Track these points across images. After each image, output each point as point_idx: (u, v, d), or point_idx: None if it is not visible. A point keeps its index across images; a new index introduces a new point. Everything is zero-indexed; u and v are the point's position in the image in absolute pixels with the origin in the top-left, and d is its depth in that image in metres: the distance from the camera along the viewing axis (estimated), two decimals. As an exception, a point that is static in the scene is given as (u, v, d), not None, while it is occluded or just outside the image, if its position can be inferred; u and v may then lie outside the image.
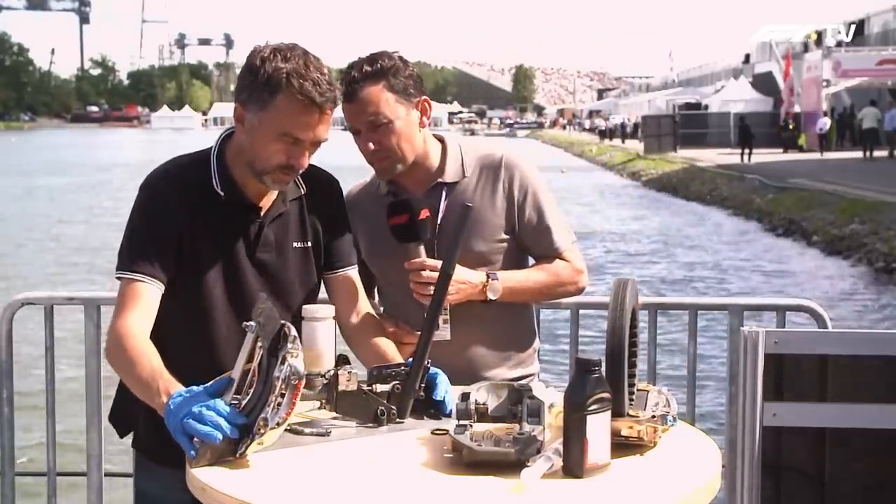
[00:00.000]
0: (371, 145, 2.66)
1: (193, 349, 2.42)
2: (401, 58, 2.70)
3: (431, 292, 2.46)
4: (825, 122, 36.72)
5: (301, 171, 2.45)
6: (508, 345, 2.82)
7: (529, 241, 2.79)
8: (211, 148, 2.52)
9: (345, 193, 2.88)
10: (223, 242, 2.46)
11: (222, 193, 2.45)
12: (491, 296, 2.68)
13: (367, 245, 2.81)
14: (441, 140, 2.82)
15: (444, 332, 2.67)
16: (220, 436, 1.97)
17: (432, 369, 2.32)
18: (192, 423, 1.99)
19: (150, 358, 2.27)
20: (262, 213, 2.49)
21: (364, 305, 2.63)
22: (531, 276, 2.78)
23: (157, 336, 2.37)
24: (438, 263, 2.47)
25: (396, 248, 2.65)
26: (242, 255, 2.47)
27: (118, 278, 2.41)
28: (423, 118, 2.73)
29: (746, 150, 34.51)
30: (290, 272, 2.53)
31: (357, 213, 2.81)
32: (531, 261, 2.86)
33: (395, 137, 2.66)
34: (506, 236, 2.77)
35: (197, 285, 2.44)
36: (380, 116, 2.64)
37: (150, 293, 2.38)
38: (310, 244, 2.56)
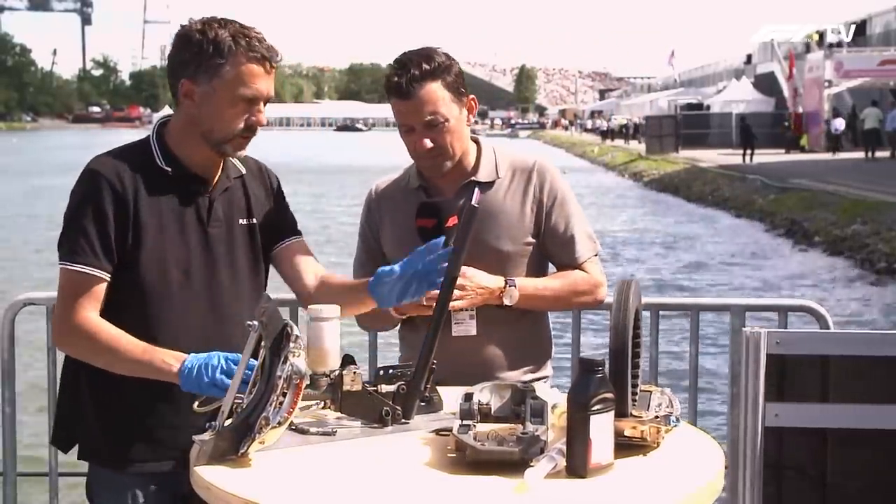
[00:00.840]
0: (428, 143, 2.65)
1: (149, 328, 2.41)
2: (447, 55, 2.70)
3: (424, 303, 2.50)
4: (840, 123, 36.62)
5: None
6: (528, 349, 2.82)
7: (552, 248, 2.80)
8: (149, 135, 2.53)
9: (375, 187, 2.90)
10: (174, 218, 2.46)
11: (168, 169, 2.46)
12: (507, 301, 2.68)
13: (392, 238, 2.81)
14: (476, 141, 2.83)
15: (469, 328, 2.70)
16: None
17: None
18: (223, 378, 2.19)
19: (129, 339, 2.36)
20: (209, 188, 2.51)
21: (316, 266, 2.64)
22: (548, 284, 2.78)
23: (114, 317, 2.40)
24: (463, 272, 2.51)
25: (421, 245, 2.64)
26: (194, 230, 2.48)
27: (65, 269, 2.42)
28: (469, 116, 2.74)
29: (748, 151, 34.47)
30: (238, 249, 2.54)
31: (387, 206, 2.82)
32: (551, 269, 2.87)
33: (450, 136, 2.67)
34: (532, 240, 2.78)
35: (151, 263, 2.43)
36: (438, 116, 2.64)
37: (97, 286, 2.41)
38: (255, 221, 2.58)
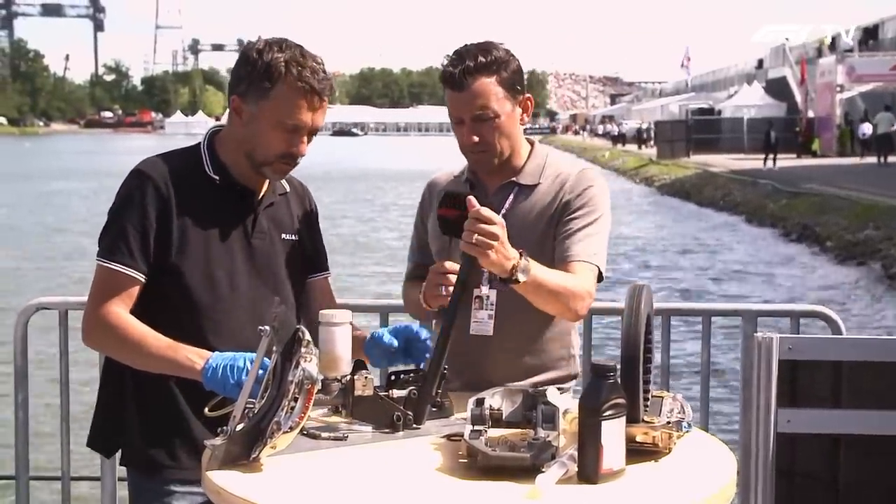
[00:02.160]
0: (475, 138, 2.63)
1: (187, 333, 2.42)
2: (508, 51, 2.67)
3: (441, 293, 2.48)
4: (868, 127, 36.42)
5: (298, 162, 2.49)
6: (543, 358, 2.71)
7: (556, 244, 2.64)
8: (200, 142, 2.55)
9: (432, 178, 2.89)
10: (219, 226, 2.48)
11: (217, 178, 2.48)
12: (520, 276, 2.42)
13: (432, 228, 2.77)
14: (531, 143, 2.79)
15: (486, 327, 2.64)
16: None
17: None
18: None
19: (156, 335, 2.38)
20: (255, 200, 2.53)
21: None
22: (556, 276, 2.56)
23: (151, 322, 2.41)
24: (456, 267, 2.45)
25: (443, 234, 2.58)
26: (239, 241, 2.50)
27: (101, 266, 2.44)
28: (523, 115, 2.72)
29: (769, 156, 34.35)
30: (280, 263, 2.56)
31: (438, 198, 2.76)
32: None
33: (498, 133, 2.64)
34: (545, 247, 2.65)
35: (192, 269, 2.45)
36: (488, 111, 2.61)
37: (130, 286, 2.42)
38: (297, 238, 2.60)
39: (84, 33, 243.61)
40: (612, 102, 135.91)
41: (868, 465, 2.57)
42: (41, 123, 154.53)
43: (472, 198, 2.39)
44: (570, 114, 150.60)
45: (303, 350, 2.02)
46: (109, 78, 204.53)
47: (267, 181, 2.54)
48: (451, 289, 2.47)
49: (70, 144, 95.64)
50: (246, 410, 2.06)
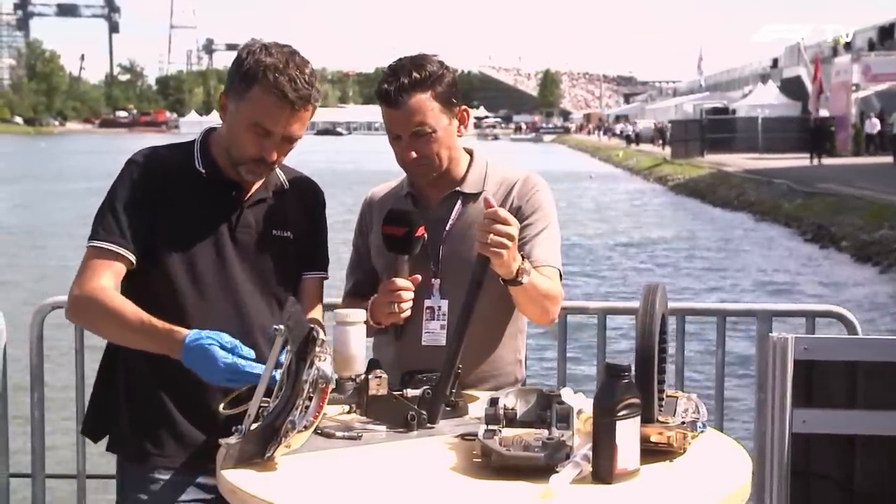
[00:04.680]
0: (413, 154, 2.63)
1: (171, 321, 2.39)
2: (442, 63, 2.67)
3: (394, 310, 2.52)
4: (876, 122, 36.22)
5: (275, 167, 2.51)
6: (493, 365, 2.75)
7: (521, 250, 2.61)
8: (195, 138, 2.60)
9: (371, 193, 2.89)
10: (204, 219, 2.51)
11: (203, 171, 2.51)
12: (524, 278, 2.47)
13: (375, 244, 2.78)
14: (470, 152, 2.80)
15: (438, 338, 2.66)
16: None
17: None
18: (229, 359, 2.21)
19: (136, 309, 2.37)
20: (242, 195, 2.54)
21: (318, 314, 2.66)
22: (545, 280, 2.61)
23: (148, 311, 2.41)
24: (407, 283, 2.53)
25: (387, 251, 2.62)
26: (222, 234, 2.52)
27: (90, 246, 2.46)
28: (460, 127, 2.72)
29: (815, 154, 34.19)
30: (270, 258, 2.56)
31: (377, 213, 2.80)
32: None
33: (437, 146, 2.64)
34: None
35: (179, 260, 2.47)
36: (426, 126, 2.61)
37: (116, 261, 2.44)
38: (290, 235, 2.59)
39: (99, 33, 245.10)
40: (626, 102, 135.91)
41: (883, 465, 2.56)
42: (56, 123, 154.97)
43: (488, 197, 2.41)
44: (583, 113, 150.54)
45: (317, 349, 2.02)
46: (124, 78, 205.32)
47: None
48: (402, 305, 2.55)
49: (85, 144, 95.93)
50: (260, 409, 2.07)
